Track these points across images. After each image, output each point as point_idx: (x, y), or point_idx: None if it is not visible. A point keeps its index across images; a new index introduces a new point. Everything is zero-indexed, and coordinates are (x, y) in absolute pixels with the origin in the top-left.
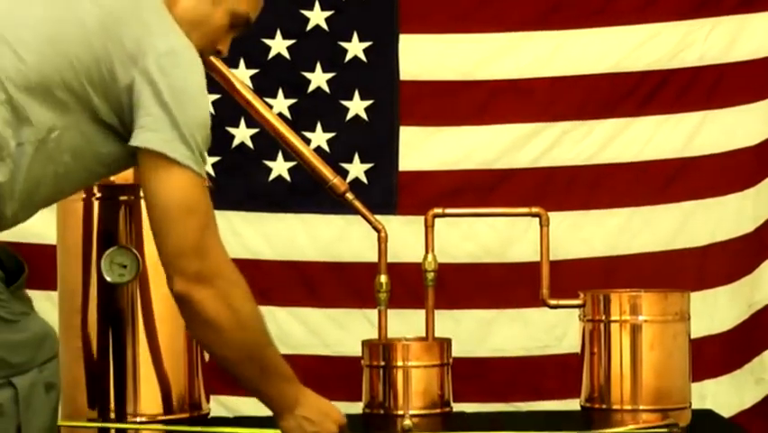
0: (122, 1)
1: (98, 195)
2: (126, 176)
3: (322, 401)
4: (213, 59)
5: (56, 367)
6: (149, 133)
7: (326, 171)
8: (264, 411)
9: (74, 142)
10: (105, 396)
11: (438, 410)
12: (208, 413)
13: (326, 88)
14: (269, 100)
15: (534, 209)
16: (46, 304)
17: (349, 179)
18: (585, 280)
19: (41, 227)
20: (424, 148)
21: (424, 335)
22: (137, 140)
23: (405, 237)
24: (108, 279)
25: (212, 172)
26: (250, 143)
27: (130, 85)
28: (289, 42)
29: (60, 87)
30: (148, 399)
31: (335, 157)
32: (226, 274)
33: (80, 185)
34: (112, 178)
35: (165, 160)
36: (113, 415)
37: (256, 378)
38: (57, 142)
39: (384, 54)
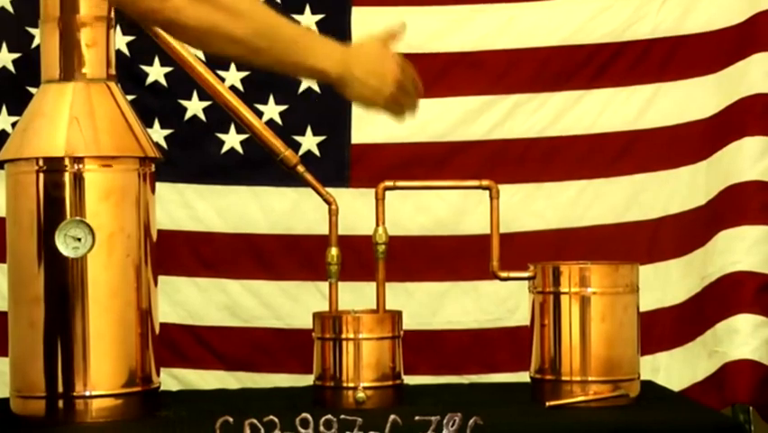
0: None
1: (45, 167)
2: (75, 147)
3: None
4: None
5: None
6: None
7: (278, 144)
8: (214, 384)
9: None
10: (56, 370)
11: (389, 383)
12: (159, 386)
13: None
14: (221, 72)
15: (485, 182)
16: None
17: (301, 151)
18: (538, 252)
19: None
20: (376, 120)
21: (375, 307)
22: None
23: (357, 210)
24: (63, 252)
25: (164, 145)
26: (202, 116)
27: None
28: None
29: None
30: (99, 373)
31: (288, 130)
32: None
33: None
34: (62, 148)
35: None
36: (64, 389)
37: (288, 55)
38: None
39: (337, 26)
